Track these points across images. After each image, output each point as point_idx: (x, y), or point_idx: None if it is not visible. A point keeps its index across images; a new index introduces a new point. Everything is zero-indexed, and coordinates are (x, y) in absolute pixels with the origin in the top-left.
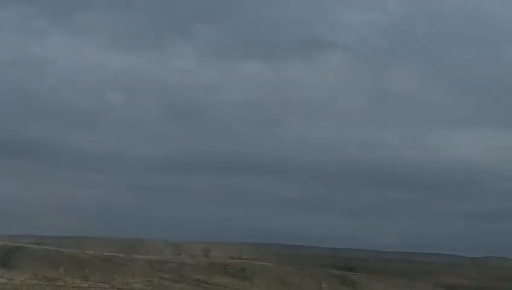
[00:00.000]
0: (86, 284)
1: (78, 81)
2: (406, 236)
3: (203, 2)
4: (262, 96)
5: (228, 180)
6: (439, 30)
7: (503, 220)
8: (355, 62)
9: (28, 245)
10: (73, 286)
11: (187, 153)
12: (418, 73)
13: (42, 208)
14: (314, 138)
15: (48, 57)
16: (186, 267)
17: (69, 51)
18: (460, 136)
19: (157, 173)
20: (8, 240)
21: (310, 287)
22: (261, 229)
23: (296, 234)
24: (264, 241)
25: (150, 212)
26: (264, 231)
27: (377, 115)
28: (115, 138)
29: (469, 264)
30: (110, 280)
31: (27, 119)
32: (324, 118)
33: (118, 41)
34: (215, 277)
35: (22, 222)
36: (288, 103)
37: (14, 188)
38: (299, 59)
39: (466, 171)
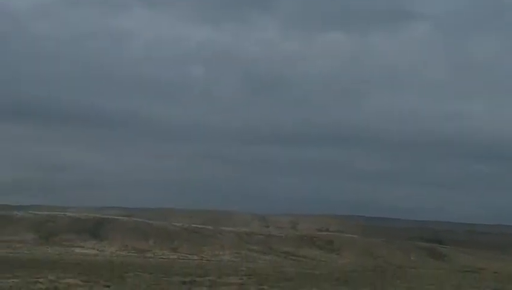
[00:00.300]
0: (175, 256)
1: (159, 55)
2: (493, 208)
3: None
4: (343, 68)
5: (312, 152)
6: None
7: None
8: (438, 32)
9: (118, 217)
10: (163, 258)
11: (270, 125)
12: (504, 42)
13: (129, 180)
14: (398, 109)
15: (129, 30)
16: (274, 240)
17: (150, 25)
18: None
19: (241, 145)
20: (97, 212)
21: (399, 259)
22: (347, 202)
23: (382, 206)
24: (350, 213)
25: (236, 184)
26: (350, 203)
27: (461, 86)
28: (198, 110)
29: None
30: (199, 251)
31: (111, 92)
32: (407, 89)
33: (200, 14)
34: (303, 249)
35: (110, 194)
36: (370, 75)
37: (101, 160)
38: (380, 30)
39: None
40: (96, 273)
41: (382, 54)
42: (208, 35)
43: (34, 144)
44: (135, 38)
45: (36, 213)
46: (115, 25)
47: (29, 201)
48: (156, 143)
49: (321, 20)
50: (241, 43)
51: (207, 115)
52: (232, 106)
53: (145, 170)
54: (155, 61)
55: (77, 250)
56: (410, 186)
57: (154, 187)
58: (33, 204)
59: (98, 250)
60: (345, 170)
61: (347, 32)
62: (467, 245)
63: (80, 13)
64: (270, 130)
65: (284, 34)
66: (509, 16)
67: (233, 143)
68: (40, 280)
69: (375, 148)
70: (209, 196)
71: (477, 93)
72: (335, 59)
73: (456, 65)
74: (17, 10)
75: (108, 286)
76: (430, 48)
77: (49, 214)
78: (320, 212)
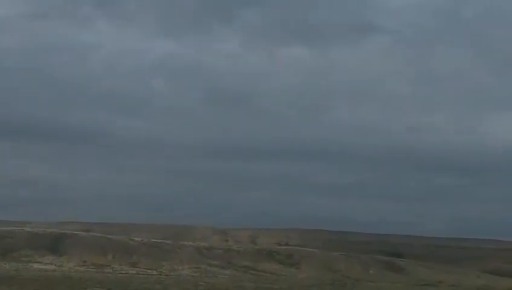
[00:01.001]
0: (134, 271)
1: (123, 68)
2: (452, 221)
3: None
4: (307, 82)
5: (274, 166)
6: (486, 11)
7: None
8: (401, 45)
9: (77, 232)
10: (121, 273)
11: (232, 139)
12: (465, 55)
13: (89, 195)
14: (360, 123)
15: (92, 43)
16: (233, 254)
17: (114, 38)
18: (509, 119)
19: (203, 159)
20: (56, 227)
21: (358, 273)
22: (307, 216)
23: (342, 220)
24: (310, 227)
25: (196, 199)
26: (310, 217)
27: (423, 99)
28: (160, 124)
29: None
30: (158, 266)
31: (73, 105)
32: (370, 103)
33: (162, 28)
34: (262, 263)
35: (69, 209)
36: (334, 88)
37: (60, 175)
38: (343, 43)
39: None
40: (54, 289)
41: (344, 68)
42: (171, 48)
43: None
44: (98, 52)
45: None
46: (77, 38)
47: None
48: (116, 157)
49: (284, 34)
50: (204, 56)
51: (169, 129)
52: (194, 120)
53: (105, 184)
54: (118, 75)
55: (35, 266)
56: (369, 199)
57: (114, 202)
58: None
59: (56, 265)
60: (306, 183)
61: (309, 46)
62: (426, 258)
63: (43, 27)
64: (231, 144)
65: (246, 48)
66: (469, 29)
67: (195, 157)
68: None
69: (337, 162)
70: (169, 210)
71: (439, 106)
72: (298, 73)
73: (417, 78)
74: None
75: None
76: (391, 61)
77: (7, 230)
78: (280, 226)
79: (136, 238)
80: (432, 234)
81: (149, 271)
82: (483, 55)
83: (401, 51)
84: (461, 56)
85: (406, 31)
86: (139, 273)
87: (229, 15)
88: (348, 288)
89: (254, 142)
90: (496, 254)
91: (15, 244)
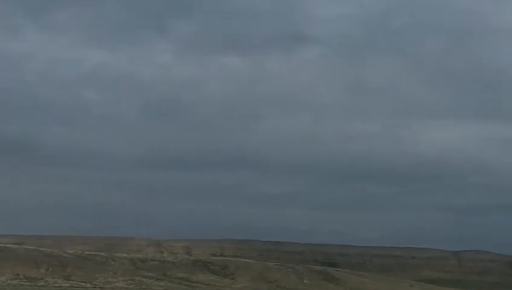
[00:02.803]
0: (68, 284)
1: (55, 78)
2: (387, 230)
3: None
4: (240, 91)
5: (209, 176)
6: (416, 22)
7: (484, 213)
8: (333, 55)
9: (8, 245)
10: (55, 286)
11: (166, 150)
12: (396, 65)
13: (21, 207)
14: (293, 132)
15: (24, 53)
16: (168, 265)
17: (46, 48)
18: (440, 128)
19: (137, 170)
20: None
21: (293, 282)
22: (242, 226)
23: (277, 230)
24: (245, 237)
25: (130, 210)
26: (245, 227)
27: (355, 108)
28: (93, 134)
29: (449, 258)
30: (92, 279)
31: (3, 115)
32: (302, 112)
33: (95, 38)
34: (197, 275)
35: (1, 221)
36: (266, 98)
37: None
38: (275, 53)
39: (447, 164)
40: None
41: (277, 77)
42: (103, 58)
43: None
44: (30, 61)
45: None
46: (8, 47)
47: None
48: (49, 169)
49: (216, 43)
50: (137, 66)
51: (102, 140)
52: (127, 130)
53: (38, 196)
54: (50, 85)
55: None
56: (304, 209)
57: (47, 214)
58: None
59: None
60: (241, 194)
61: (242, 55)
62: (360, 268)
63: None
64: (165, 155)
65: (179, 58)
66: (399, 39)
67: (129, 168)
68: None
69: (271, 171)
70: (104, 222)
71: (371, 115)
72: (230, 82)
73: (349, 87)
74: None
75: None
76: (323, 71)
77: None
78: (215, 237)
79: (69, 251)
80: (366, 243)
81: (83, 284)
82: (412, 64)
83: (332, 61)
84: (391, 66)
85: (337, 41)
86: (72, 286)
87: (162, 25)
88: None
89: (188, 153)
90: (429, 262)
91: None
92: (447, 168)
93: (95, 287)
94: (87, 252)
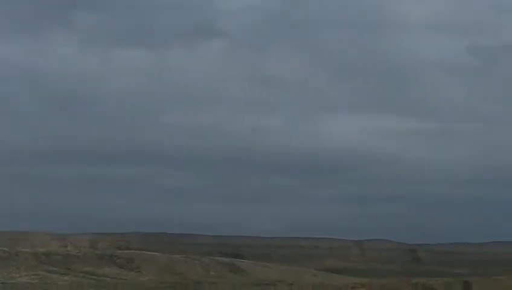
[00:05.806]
0: None
1: None
2: (290, 221)
3: None
4: (144, 84)
5: (113, 170)
6: (318, 15)
7: (385, 203)
8: (236, 48)
9: None
10: None
11: (69, 143)
12: (299, 58)
13: None
14: (197, 125)
15: None
16: (73, 259)
17: None
18: (342, 121)
19: (39, 163)
20: None
21: (199, 275)
22: (148, 219)
23: (182, 223)
24: (151, 230)
25: (33, 204)
26: (151, 220)
27: (259, 101)
28: None
29: (352, 248)
30: None
31: None
32: (207, 105)
33: None
34: (102, 268)
35: None
36: (171, 91)
37: None
38: (180, 46)
39: (350, 156)
40: None
41: (181, 71)
42: (2, 51)
43: None
44: None
45: None
46: None
47: None
48: None
49: (120, 36)
50: (39, 59)
51: (3, 133)
52: (29, 123)
53: None
54: None
55: None
56: (209, 202)
57: None
58: None
59: None
60: (146, 187)
61: (146, 48)
62: (265, 258)
63: None
64: (68, 148)
65: (82, 51)
66: (301, 32)
67: (30, 161)
68: None
69: (175, 165)
70: (5, 216)
71: (275, 107)
72: (135, 75)
73: (253, 80)
74: None
75: None
76: (228, 64)
77: None
78: (120, 230)
79: None
80: (271, 234)
81: None
82: (316, 57)
83: (237, 54)
84: (295, 59)
85: (241, 34)
86: None
87: (64, 18)
88: None
89: (91, 146)
90: (331, 252)
91: None
92: (349, 160)
93: None
94: None
